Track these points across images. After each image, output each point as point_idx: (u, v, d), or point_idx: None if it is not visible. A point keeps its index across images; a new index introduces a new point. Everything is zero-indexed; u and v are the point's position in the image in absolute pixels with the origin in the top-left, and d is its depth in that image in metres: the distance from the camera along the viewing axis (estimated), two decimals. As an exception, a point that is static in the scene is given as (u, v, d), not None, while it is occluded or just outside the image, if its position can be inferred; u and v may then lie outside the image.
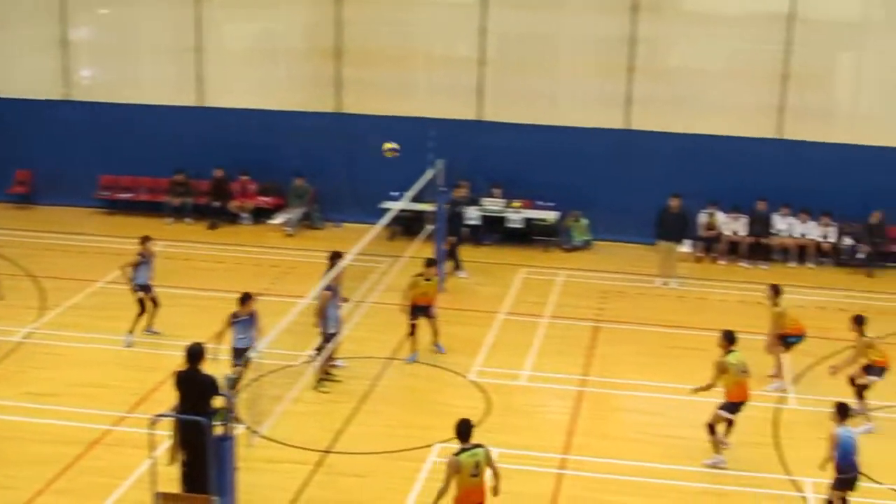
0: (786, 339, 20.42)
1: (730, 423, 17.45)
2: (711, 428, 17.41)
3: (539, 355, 21.74)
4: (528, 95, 29.71)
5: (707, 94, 28.93)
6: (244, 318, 18.71)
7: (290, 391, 17.41)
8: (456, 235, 26.12)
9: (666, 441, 18.27)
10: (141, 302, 21.67)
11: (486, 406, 19.36)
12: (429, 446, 17.75)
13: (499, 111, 29.79)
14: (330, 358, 20.03)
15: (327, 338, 19.67)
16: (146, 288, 21.72)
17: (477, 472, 13.71)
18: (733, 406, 17.34)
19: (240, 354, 18.49)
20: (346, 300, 21.09)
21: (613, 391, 20.33)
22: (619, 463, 17.44)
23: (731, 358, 17.33)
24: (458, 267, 26.23)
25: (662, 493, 16.62)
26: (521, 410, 19.44)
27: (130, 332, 21.61)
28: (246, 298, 18.85)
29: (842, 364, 19.14)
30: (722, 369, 17.28)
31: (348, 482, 16.75)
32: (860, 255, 27.61)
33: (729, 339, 17.53)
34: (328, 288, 19.43)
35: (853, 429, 15.35)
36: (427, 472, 16.97)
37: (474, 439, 14.04)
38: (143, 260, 21.61)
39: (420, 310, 21.40)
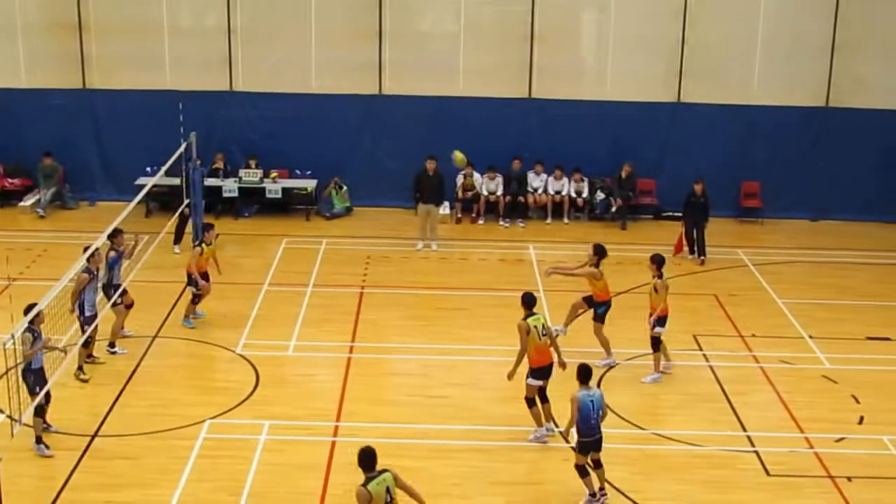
0: (597, 308, 20.09)
1: (541, 390, 17.39)
2: (530, 402, 17.37)
3: (305, 325, 21.69)
4: (280, 64, 29.47)
5: (457, 56, 29.26)
6: (37, 332, 16.40)
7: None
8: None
9: (434, 401, 18.53)
10: None
11: (255, 379, 19.22)
12: (199, 423, 17.54)
13: (250, 81, 29.46)
14: (90, 342, 19.51)
15: (86, 321, 19.14)
16: None
17: (391, 499, 12.87)
18: (536, 372, 17.24)
19: (40, 379, 16.57)
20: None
21: (381, 356, 20.48)
22: (390, 426, 17.59)
23: (532, 321, 17.20)
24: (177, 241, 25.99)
25: (434, 454, 16.84)
26: (291, 381, 19.40)
27: None
28: (31, 309, 16.18)
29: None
30: (525, 330, 17.07)
31: (118, 466, 16.39)
32: (613, 209, 28.47)
33: (528, 302, 17.38)
34: (86, 270, 18.91)
35: (595, 390, 15.61)
36: (199, 450, 16.77)
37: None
38: None
39: (205, 276, 21.44)
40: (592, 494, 15.62)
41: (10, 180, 29.57)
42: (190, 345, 20.78)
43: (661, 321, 19.45)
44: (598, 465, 15.70)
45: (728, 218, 28.61)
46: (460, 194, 28.71)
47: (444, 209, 28.02)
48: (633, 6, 29.14)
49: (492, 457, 16.88)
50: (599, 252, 20.17)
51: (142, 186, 24.99)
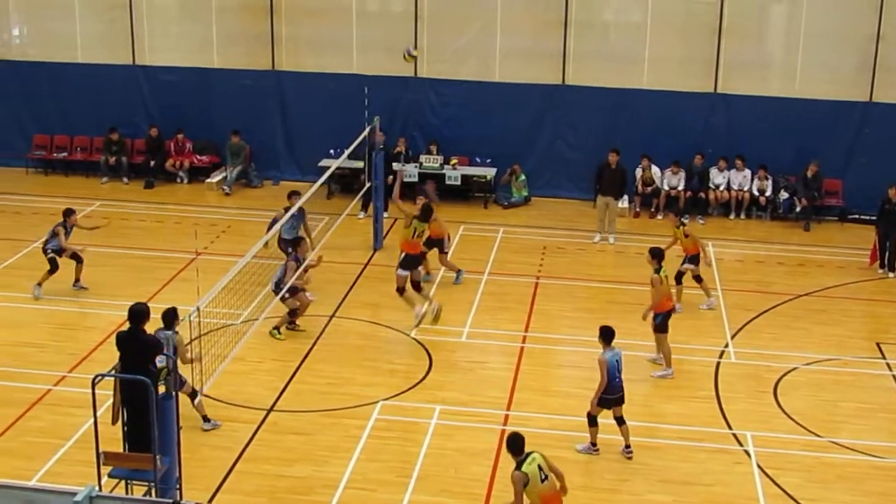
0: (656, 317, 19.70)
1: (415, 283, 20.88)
2: (401, 291, 20.69)
3: (479, 312, 21.75)
4: (464, 50, 29.61)
5: (642, 48, 28.91)
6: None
7: (232, 350, 17.30)
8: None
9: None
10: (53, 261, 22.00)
11: (428, 363, 19.38)
12: (372, 404, 17.76)
13: (434, 67, 29.66)
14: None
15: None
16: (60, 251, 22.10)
17: (545, 476, 13.37)
18: (404, 262, 20.74)
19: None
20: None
21: (553, 347, 20.41)
22: (560, 418, 17.53)
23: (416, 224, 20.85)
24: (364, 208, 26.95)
25: (603, 448, 16.64)
26: (463, 367, 19.48)
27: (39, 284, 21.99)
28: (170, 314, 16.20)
29: None
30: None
31: (291, 441, 16.73)
32: (797, 209, 27.76)
33: (427, 213, 21.10)
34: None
35: (617, 350, 16.38)
36: (370, 431, 16.98)
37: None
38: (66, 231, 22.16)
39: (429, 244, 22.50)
40: (593, 444, 16.48)
41: (198, 157, 30.42)
42: (365, 326, 21.05)
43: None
44: (620, 422, 16.40)
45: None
46: (640, 188, 28.40)
47: (624, 202, 27.77)
48: (823, -1, 28.40)
49: (661, 454, 16.69)
50: (654, 254, 19.68)
51: (325, 168, 25.45)
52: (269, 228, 21.72)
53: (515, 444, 13.42)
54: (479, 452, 16.48)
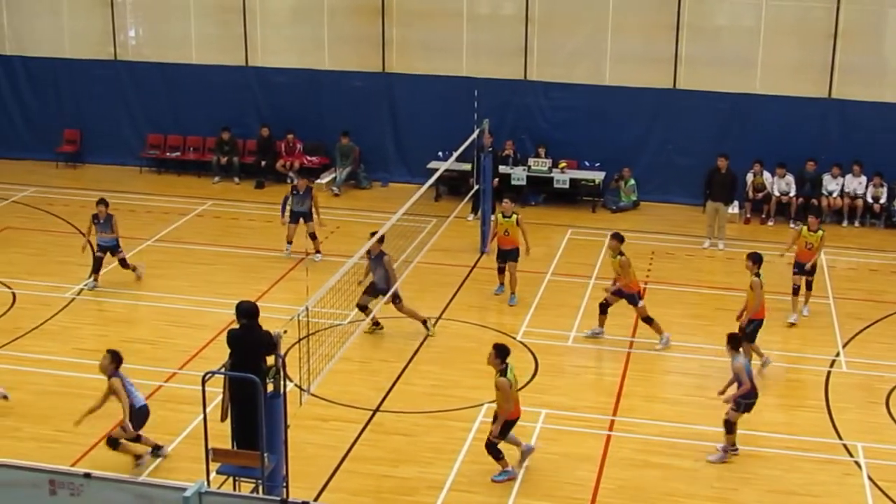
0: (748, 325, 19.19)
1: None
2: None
3: (586, 316, 21.62)
4: (574, 54, 29.48)
5: (755, 52, 28.54)
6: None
7: (339, 350, 17.41)
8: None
9: (712, 403, 17.95)
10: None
11: (534, 367, 19.34)
12: (477, 406, 17.77)
13: (544, 70, 29.58)
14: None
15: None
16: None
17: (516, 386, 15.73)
18: None
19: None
20: None
21: (661, 353, 20.20)
22: (666, 425, 17.38)
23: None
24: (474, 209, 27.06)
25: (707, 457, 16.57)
26: (569, 372, 19.43)
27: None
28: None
29: None
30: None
31: (396, 441, 16.81)
32: (913, 218, 27.22)
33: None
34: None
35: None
36: (475, 433, 16.98)
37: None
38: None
39: (505, 254, 22.21)
40: (733, 444, 16.45)
41: (308, 157, 30.70)
42: (472, 328, 21.08)
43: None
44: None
45: None
46: (751, 194, 28.02)
47: (734, 208, 27.43)
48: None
49: (770, 464, 16.46)
50: (755, 259, 19.43)
51: (433, 170, 25.51)
52: (282, 207, 24.15)
53: (506, 351, 15.44)
54: (583, 457, 16.41)
